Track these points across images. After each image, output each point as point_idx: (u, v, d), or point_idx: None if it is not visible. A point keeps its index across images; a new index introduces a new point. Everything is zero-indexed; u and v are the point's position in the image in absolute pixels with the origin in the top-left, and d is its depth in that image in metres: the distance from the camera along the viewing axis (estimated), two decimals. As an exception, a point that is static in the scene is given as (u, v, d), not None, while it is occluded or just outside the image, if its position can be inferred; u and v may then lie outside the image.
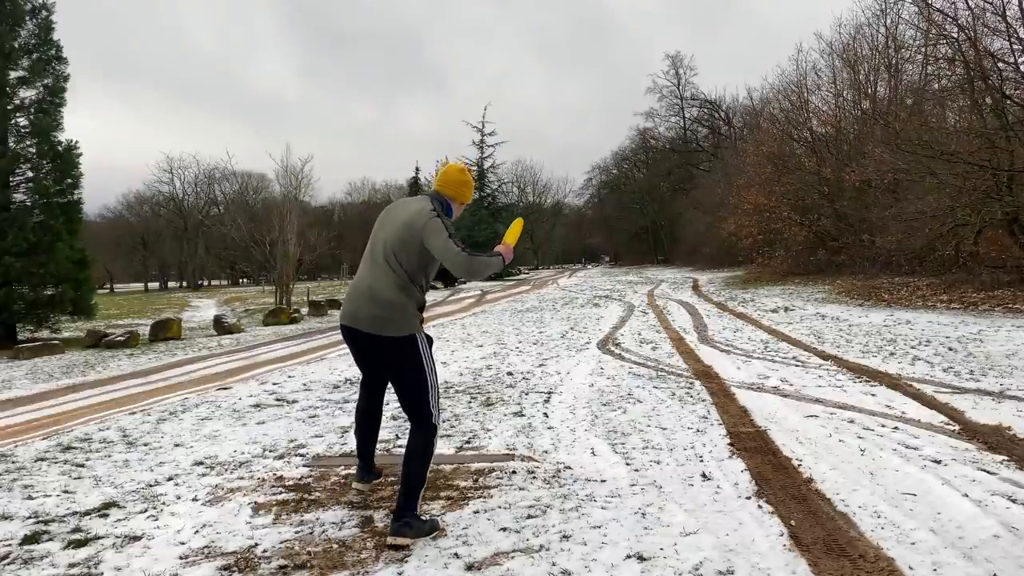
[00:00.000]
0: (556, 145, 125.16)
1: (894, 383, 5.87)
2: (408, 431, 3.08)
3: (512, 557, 2.73)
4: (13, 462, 4.59)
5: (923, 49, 18.73)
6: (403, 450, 3.10)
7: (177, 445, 4.90)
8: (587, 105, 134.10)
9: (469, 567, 2.66)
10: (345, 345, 3.28)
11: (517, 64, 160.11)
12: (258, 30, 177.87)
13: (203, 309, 28.61)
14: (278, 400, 6.45)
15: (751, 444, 4.22)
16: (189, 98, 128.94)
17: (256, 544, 2.96)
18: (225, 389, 7.50)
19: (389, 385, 3.27)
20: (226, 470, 4.15)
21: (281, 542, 2.97)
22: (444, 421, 5.18)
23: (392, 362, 3.00)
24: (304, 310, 22.72)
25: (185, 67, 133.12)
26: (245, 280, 59.07)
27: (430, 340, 3.09)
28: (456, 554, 2.76)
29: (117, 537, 3.11)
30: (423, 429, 2.99)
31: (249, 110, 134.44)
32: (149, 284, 64.92)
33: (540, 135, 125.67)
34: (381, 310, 2.94)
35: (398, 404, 3.18)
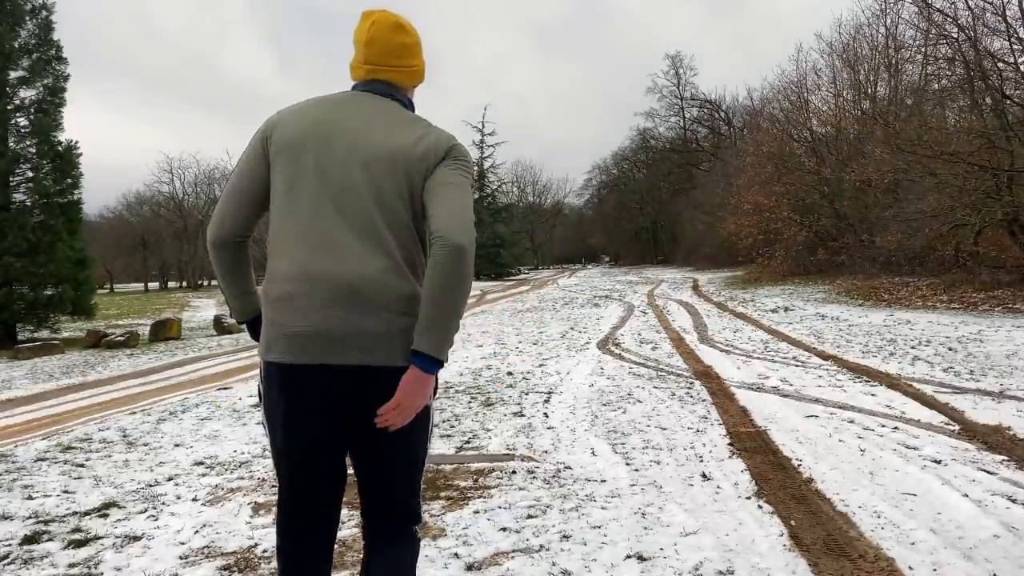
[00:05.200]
0: (556, 141, 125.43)
1: (894, 383, 5.87)
2: (369, 545, 1.73)
3: (512, 557, 2.73)
4: (13, 462, 4.59)
5: (923, 49, 18.73)
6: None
7: (177, 445, 4.90)
8: (587, 99, 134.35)
9: (469, 567, 2.66)
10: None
11: (516, 57, 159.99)
12: (228, 14, 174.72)
13: (203, 309, 28.61)
14: (278, 400, 6.45)
15: (751, 444, 4.23)
16: (165, 91, 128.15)
17: (256, 544, 2.96)
18: (225, 389, 7.50)
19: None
20: (226, 470, 4.15)
21: (281, 542, 2.97)
22: (444, 421, 5.17)
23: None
24: (304, 310, 22.67)
25: (159, 58, 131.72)
26: (245, 280, 58.86)
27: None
28: (456, 554, 2.76)
29: (117, 537, 3.11)
30: (409, 535, 1.72)
31: (228, 101, 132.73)
32: (149, 284, 64.90)
33: (539, 131, 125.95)
34: (387, 319, 1.54)
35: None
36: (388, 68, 1.71)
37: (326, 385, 1.55)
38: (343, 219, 1.54)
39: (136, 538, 3.08)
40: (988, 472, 3.47)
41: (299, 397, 1.56)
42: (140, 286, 63.80)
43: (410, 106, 1.75)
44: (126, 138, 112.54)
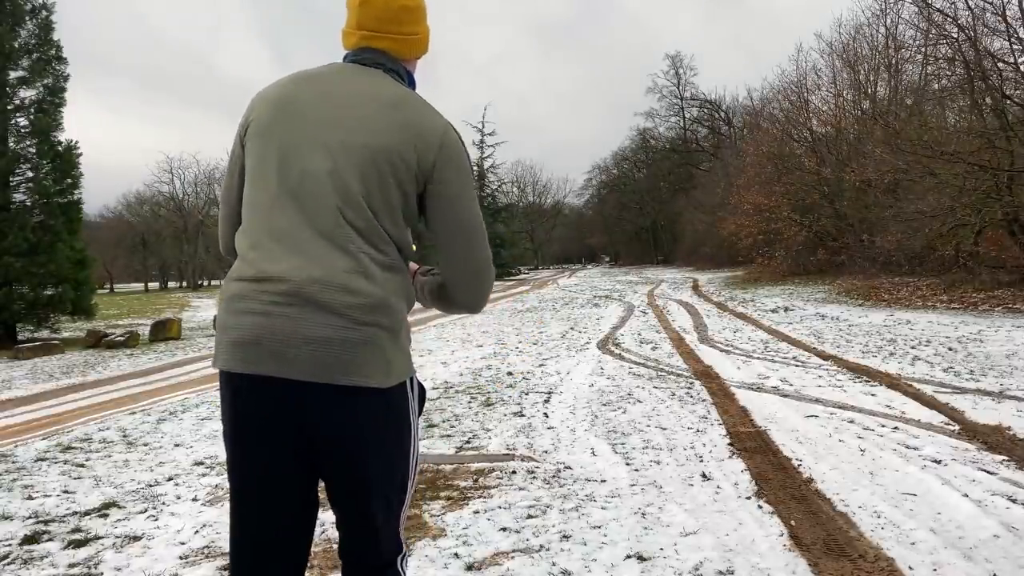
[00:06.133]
0: (556, 141, 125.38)
1: (894, 383, 5.87)
2: None
3: (512, 557, 2.73)
4: (13, 462, 4.60)
5: (923, 49, 18.73)
6: None
7: (177, 445, 4.90)
8: (587, 99, 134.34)
9: (469, 567, 2.66)
10: None
11: (516, 56, 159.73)
12: (224, 12, 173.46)
13: (203, 309, 28.60)
14: (278, 400, 6.45)
15: (751, 444, 4.23)
16: (165, 90, 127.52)
17: (256, 544, 2.96)
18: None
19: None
20: (226, 470, 4.15)
21: (281, 542, 2.97)
22: (444, 421, 5.17)
23: (354, 451, 1.35)
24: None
25: (158, 58, 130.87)
26: (245, 280, 58.75)
27: (422, 392, 1.50)
28: (456, 554, 2.76)
29: (117, 537, 3.11)
30: None
31: (226, 100, 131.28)
32: (149, 284, 64.92)
33: (539, 131, 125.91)
34: (338, 326, 1.29)
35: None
36: (384, 35, 1.46)
37: (270, 401, 1.31)
38: (302, 215, 1.32)
39: (136, 538, 3.09)
40: (988, 472, 3.47)
41: (244, 411, 1.35)
42: (140, 286, 63.83)
43: (408, 79, 1.51)
44: (126, 138, 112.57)
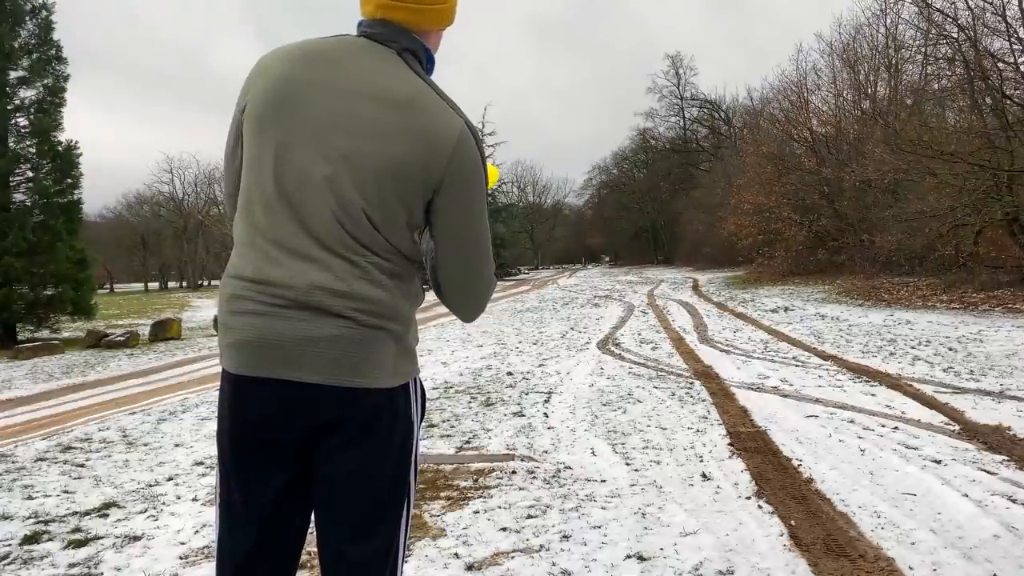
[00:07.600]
0: (556, 141, 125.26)
1: (894, 383, 5.87)
2: None
3: (512, 557, 2.73)
4: (13, 462, 4.60)
5: (923, 49, 18.78)
6: None
7: (177, 445, 4.90)
8: (587, 99, 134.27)
9: (469, 567, 2.66)
10: None
11: (516, 55, 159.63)
12: (220, 10, 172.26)
13: (203, 309, 28.60)
14: (278, 400, 6.45)
15: (751, 444, 4.23)
16: (165, 90, 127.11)
17: (256, 544, 2.96)
18: (225, 389, 7.50)
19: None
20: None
21: (281, 542, 2.97)
22: (444, 421, 5.17)
23: (356, 453, 1.28)
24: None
25: (157, 58, 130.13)
26: (245, 280, 58.70)
27: (423, 395, 1.43)
28: (456, 554, 2.77)
29: (117, 537, 3.11)
30: None
31: (224, 100, 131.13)
32: (149, 284, 64.95)
33: (539, 131, 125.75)
34: (346, 326, 1.24)
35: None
36: (403, 5, 1.30)
37: (274, 404, 1.25)
38: (299, 220, 1.24)
39: (136, 538, 3.09)
40: (988, 472, 3.47)
41: (247, 415, 1.29)
42: (140, 286, 63.83)
43: (426, 57, 1.36)
44: (126, 138, 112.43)
